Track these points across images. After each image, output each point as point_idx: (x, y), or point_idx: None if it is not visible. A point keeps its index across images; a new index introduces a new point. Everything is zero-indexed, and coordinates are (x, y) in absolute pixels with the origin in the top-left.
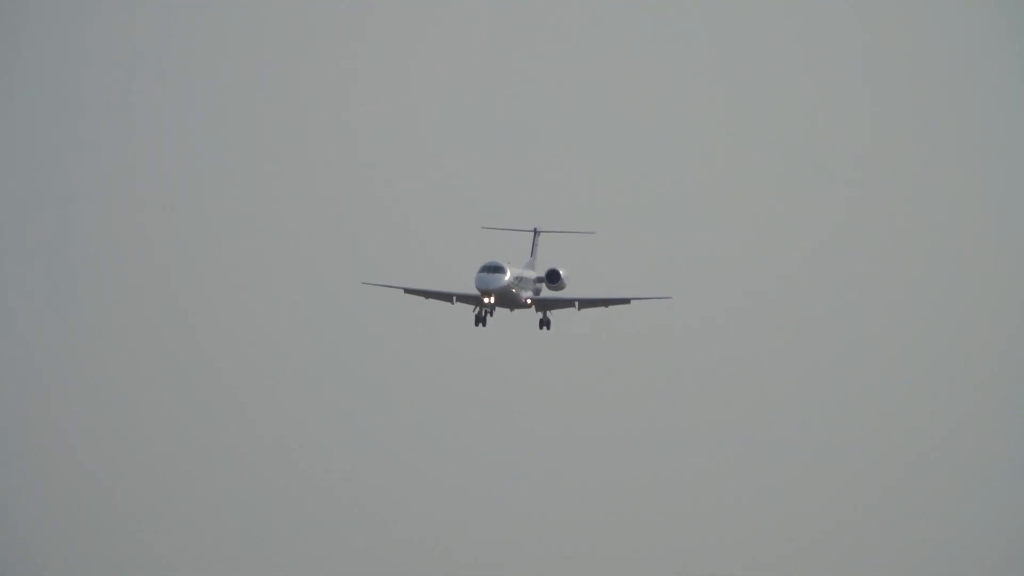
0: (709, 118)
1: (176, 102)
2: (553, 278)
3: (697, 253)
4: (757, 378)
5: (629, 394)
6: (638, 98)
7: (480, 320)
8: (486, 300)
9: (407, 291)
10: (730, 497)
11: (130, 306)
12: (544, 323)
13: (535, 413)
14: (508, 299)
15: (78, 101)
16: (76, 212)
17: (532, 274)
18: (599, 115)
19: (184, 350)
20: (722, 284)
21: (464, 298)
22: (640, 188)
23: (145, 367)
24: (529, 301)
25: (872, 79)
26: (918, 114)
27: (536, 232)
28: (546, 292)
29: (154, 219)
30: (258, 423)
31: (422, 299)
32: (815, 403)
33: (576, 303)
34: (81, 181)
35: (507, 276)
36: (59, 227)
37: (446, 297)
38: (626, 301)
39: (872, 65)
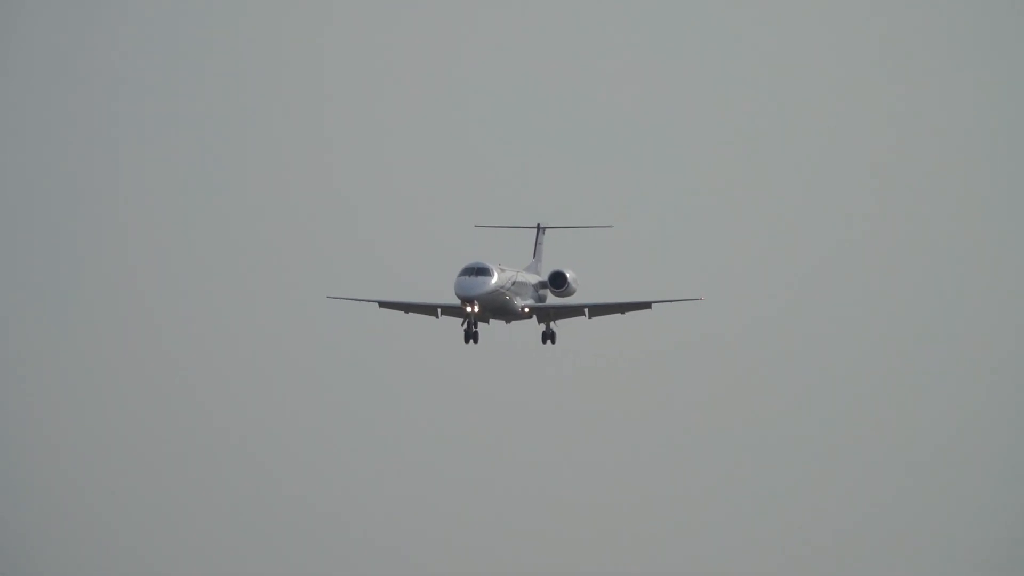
0: (737, 107)
1: (143, 107)
2: (558, 282)
3: (728, 250)
4: (805, 394)
5: (651, 420)
6: (654, 87)
7: (471, 336)
8: (468, 309)
9: (382, 304)
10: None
11: (95, 324)
12: (548, 336)
13: (537, 445)
14: (499, 308)
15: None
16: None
17: (533, 278)
18: (608, 102)
19: (142, 382)
20: (758, 283)
21: (452, 310)
22: (661, 182)
23: (103, 390)
24: (527, 310)
25: (903, 73)
26: (954, 110)
27: (540, 229)
28: (552, 299)
29: (117, 230)
30: (226, 466)
31: (400, 314)
32: (874, 413)
33: (586, 310)
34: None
35: (493, 279)
36: (26, 235)
37: (429, 310)
38: (647, 305)
39: (902, 59)
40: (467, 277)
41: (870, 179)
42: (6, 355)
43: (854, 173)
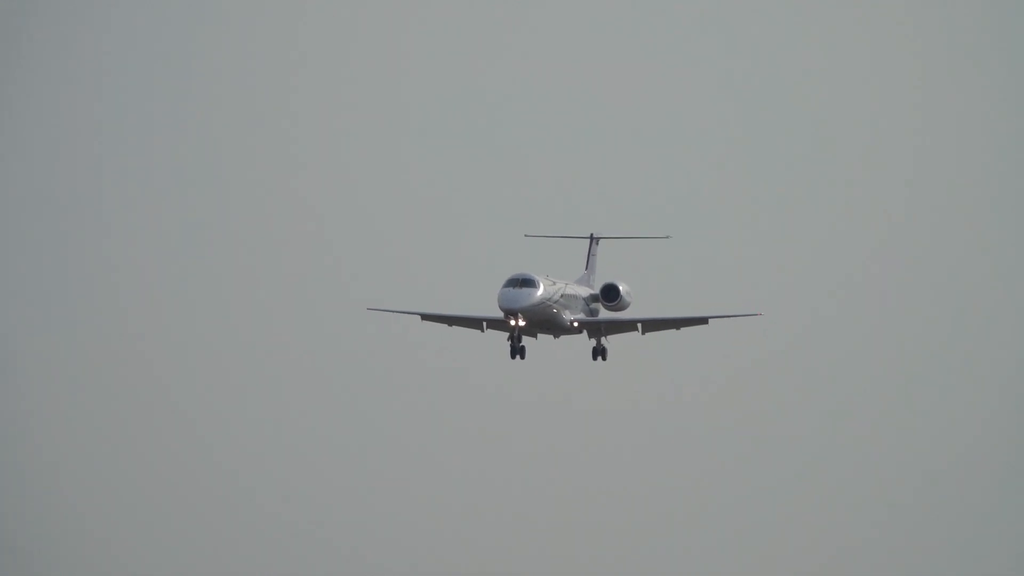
0: (796, 117)
1: (158, 107)
2: (611, 295)
3: (788, 264)
4: (870, 413)
5: (707, 442)
6: (710, 94)
7: (517, 351)
8: (512, 323)
9: (425, 317)
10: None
11: (124, 332)
12: (599, 352)
13: (585, 466)
14: (547, 321)
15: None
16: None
17: (584, 291)
18: (665, 109)
19: (164, 403)
20: (820, 297)
21: (497, 324)
22: (721, 192)
23: (127, 413)
24: (576, 324)
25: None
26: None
27: (592, 239)
28: (603, 314)
29: (137, 237)
30: (256, 488)
31: (444, 327)
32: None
33: (639, 325)
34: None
35: (539, 291)
36: (24, 238)
37: (474, 323)
38: (703, 321)
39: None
40: (511, 289)
41: (930, 186)
42: (7, 357)
43: (913, 181)
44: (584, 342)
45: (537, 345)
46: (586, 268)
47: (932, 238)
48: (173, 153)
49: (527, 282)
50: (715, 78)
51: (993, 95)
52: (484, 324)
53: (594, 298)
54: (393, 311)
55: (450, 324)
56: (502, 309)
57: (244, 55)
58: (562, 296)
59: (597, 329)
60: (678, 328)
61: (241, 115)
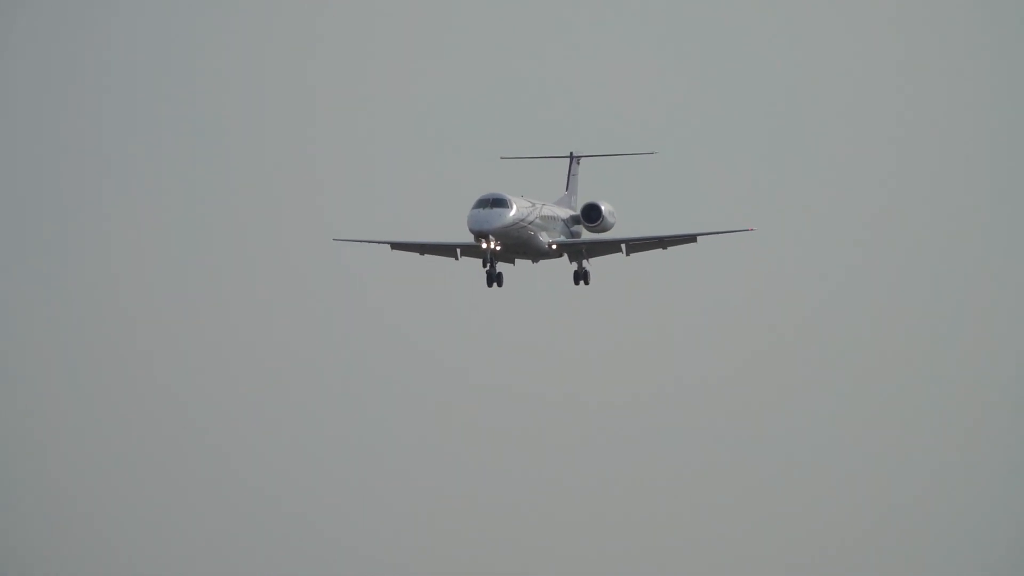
0: (787, 23)
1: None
2: (592, 215)
3: (783, 177)
4: (871, 338)
5: (698, 369)
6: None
7: (494, 278)
8: (484, 246)
9: (394, 246)
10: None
11: (84, 285)
12: (580, 276)
13: (568, 397)
14: (523, 245)
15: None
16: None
17: (563, 211)
18: (643, 18)
19: (134, 344)
20: (815, 211)
21: (473, 250)
22: (706, 103)
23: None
24: (555, 247)
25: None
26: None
27: (573, 158)
28: (586, 235)
29: (103, 175)
30: (231, 420)
31: (416, 256)
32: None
33: (623, 246)
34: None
35: (512, 211)
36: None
37: (447, 250)
38: (692, 239)
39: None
40: (482, 209)
41: (925, 99)
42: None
43: (909, 94)
44: (565, 266)
45: (515, 271)
46: (566, 189)
47: (929, 148)
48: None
49: (499, 202)
50: None
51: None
52: (458, 251)
53: (575, 219)
54: (360, 241)
55: (422, 253)
56: (472, 231)
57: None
58: (539, 217)
59: (578, 252)
60: (665, 247)
61: (201, 43)
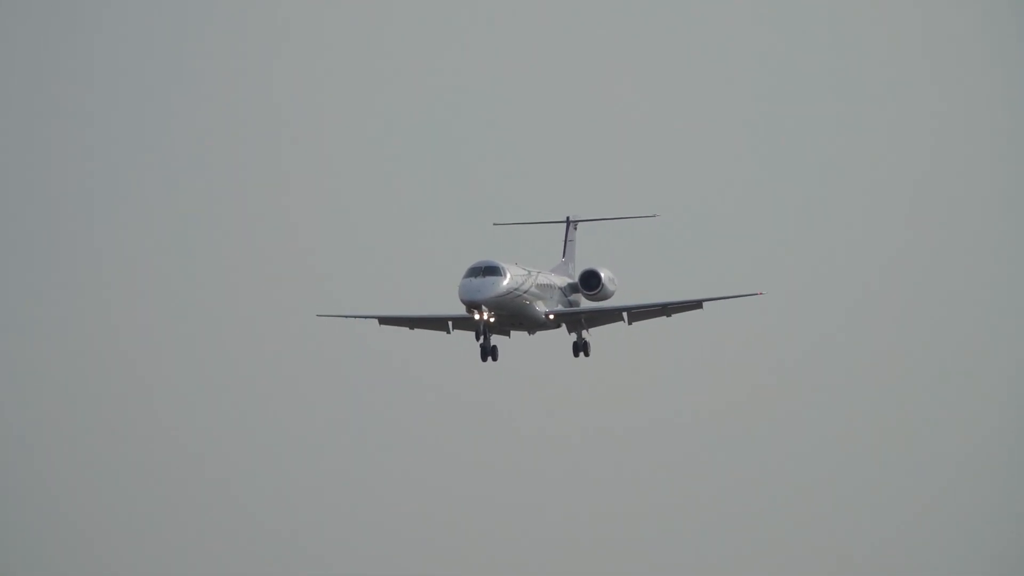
0: (787, 86)
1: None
2: (591, 283)
3: (790, 240)
4: (884, 403)
5: (707, 442)
6: (685, 64)
7: (488, 352)
8: (477, 317)
9: (383, 321)
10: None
11: (70, 345)
12: (580, 347)
13: (570, 476)
14: (517, 315)
15: None
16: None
17: (560, 279)
18: (637, 84)
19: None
20: (826, 274)
21: (465, 323)
22: (708, 167)
23: (79, 420)
24: (552, 317)
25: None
26: None
27: (569, 223)
28: (585, 304)
29: (88, 244)
30: (214, 500)
31: (405, 331)
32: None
33: (624, 314)
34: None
35: (505, 280)
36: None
37: (438, 324)
38: (697, 305)
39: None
40: (473, 279)
41: (937, 155)
42: None
43: (918, 161)
44: (564, 337)
45: (511, 344)
46: (563, 256)
47: (938, 208)
48: (118, 148)
49: (491, 270)
50: (699, 43)
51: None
52: (450, 324)
53: (573, 287)
54: (346, 316)
55: (411, 327)
56: (463, 302)
57: (204, 45)
58: (535, 285)
59: (577, 322)
60: (669, 315)
61: (188, 114)
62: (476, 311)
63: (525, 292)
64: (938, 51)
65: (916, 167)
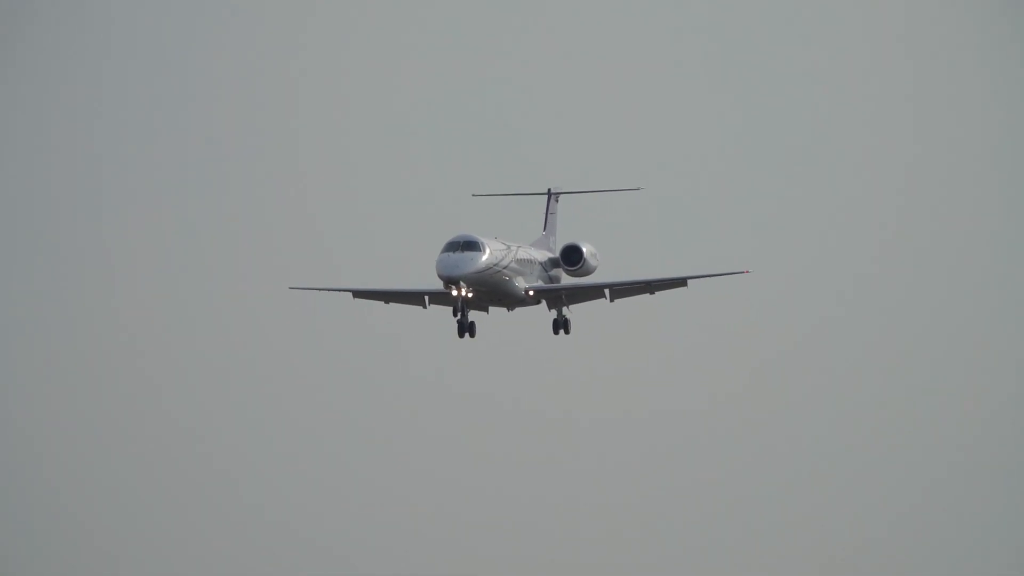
0: (772, 53)
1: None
2: (573, 258)
3: (778, 215)
4: (874, 387)
5: (687, 424)
6: (671, 30)
7: (466, 328)
8: (455, 293)
9: (356, 294)
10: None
11: (52, 320)
12: (560, 324)
13: (548, 457)
14: (496, 291)
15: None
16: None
17: (541, 254)
18: (617, 48)
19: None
20: (814, 251)
21: (442, 298)
22: (693, 139)
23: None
24: (532, 293)
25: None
26: None
27: (551, 195)
28: (566, 280)
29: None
30: (187, 477)
31: (380, 305)
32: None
33: (606, 291)
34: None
35: (484, 255)
36: None
37: (414, 298)
38: (682, 283)
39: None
40: (451, 253)
41: (924, 123)
42: None
43: (902, 117)
44: (544, 314)
45: (489, 320)
46: (544, 230)
47: (925, 175)
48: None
49: (470, 244)
50: (688, 13)
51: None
52: (426, 299)
53: (553, 263)
54: (319, 289)
55: (387, 301)
56: (441, 277)
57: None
58: (515, 260)
59: (557, 298)
60: (653, 292)
61: (164, 91)
62: (454, 286)
63: (504, 268)
64: (922, 25)
65: (903, 142)
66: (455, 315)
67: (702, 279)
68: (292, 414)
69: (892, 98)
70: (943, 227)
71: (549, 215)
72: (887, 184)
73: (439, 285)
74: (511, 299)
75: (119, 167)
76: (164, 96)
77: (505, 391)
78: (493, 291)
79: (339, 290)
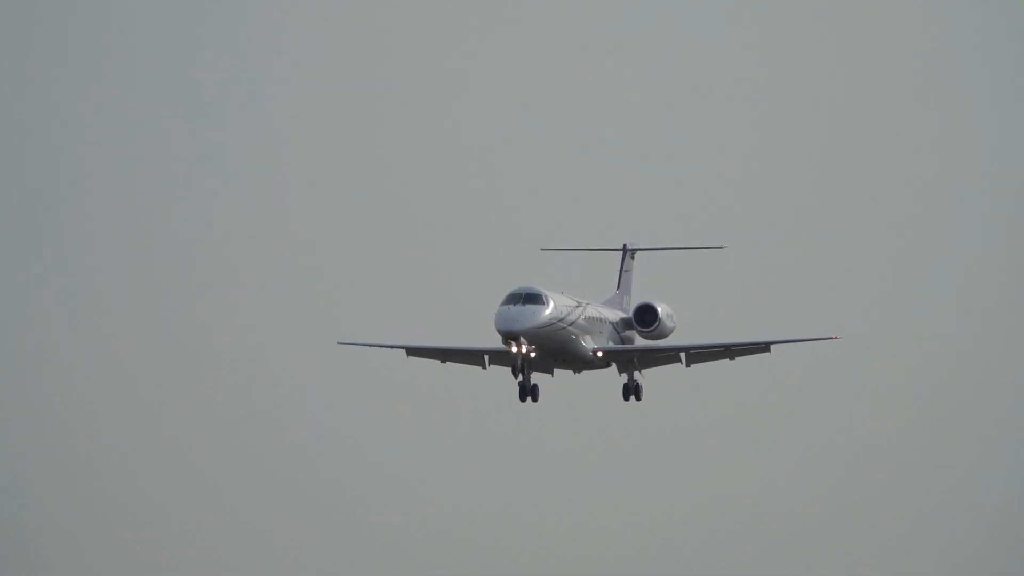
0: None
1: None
2: (647, 319)
3: (869, 278)
4: (973, 459)
5: (771, 498)
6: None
7: (528, 391)
8: (514, 350)
9: (411, 352)
10: None
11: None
12: (631, 390)
13: (616, 532)
14: (561, 350)
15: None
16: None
17: (613, 313)
18: (698, 105)
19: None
20: (907, 317)
21: (503, 357)
22: (781, 196)
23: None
24: (601, 354)
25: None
26: None
27: (627, 251)
28: (639, 342)
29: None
30: (232, 539)
31: (436, 363)
32: None
33: (682, 354)
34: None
35: (548, 309)
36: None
37: (472, 357)
38: (765, 348)
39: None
40: (511, 306)
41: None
42: None
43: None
44: (614, 378)
45: (553, 383)
46: (618, 288)
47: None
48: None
49: (532, 297)
50: (776, 70)
51: None
52: (486, 357)
53: (626, 323)
54: (371, 345)
55: (443, 360)
56: (500, 332)
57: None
58: (583, 318)
59: (629, 361)
60: (733, 358)
61: (225, 122)
62: (513, 343)
63: (571, 324)
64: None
65: (1014, 212)
66: (515, 375)
67: (787, 344)
68: (334, 480)
69: (999, 168)
70: None
71: (623, 272)
72: (986, 248)
73: (500, 343)
74: (578, 360)
75: (163, 216)
76: (218, 143)
77: (569, 460)
78: (558, 350)
79: (392, 346)
